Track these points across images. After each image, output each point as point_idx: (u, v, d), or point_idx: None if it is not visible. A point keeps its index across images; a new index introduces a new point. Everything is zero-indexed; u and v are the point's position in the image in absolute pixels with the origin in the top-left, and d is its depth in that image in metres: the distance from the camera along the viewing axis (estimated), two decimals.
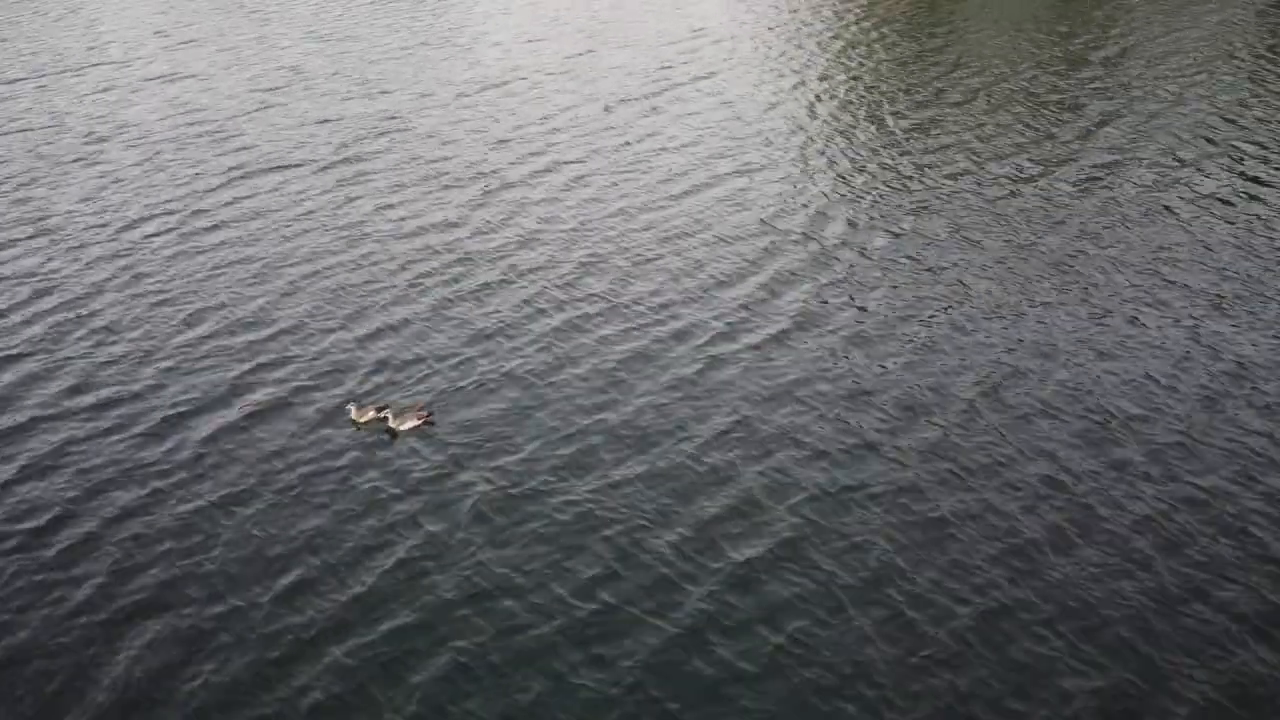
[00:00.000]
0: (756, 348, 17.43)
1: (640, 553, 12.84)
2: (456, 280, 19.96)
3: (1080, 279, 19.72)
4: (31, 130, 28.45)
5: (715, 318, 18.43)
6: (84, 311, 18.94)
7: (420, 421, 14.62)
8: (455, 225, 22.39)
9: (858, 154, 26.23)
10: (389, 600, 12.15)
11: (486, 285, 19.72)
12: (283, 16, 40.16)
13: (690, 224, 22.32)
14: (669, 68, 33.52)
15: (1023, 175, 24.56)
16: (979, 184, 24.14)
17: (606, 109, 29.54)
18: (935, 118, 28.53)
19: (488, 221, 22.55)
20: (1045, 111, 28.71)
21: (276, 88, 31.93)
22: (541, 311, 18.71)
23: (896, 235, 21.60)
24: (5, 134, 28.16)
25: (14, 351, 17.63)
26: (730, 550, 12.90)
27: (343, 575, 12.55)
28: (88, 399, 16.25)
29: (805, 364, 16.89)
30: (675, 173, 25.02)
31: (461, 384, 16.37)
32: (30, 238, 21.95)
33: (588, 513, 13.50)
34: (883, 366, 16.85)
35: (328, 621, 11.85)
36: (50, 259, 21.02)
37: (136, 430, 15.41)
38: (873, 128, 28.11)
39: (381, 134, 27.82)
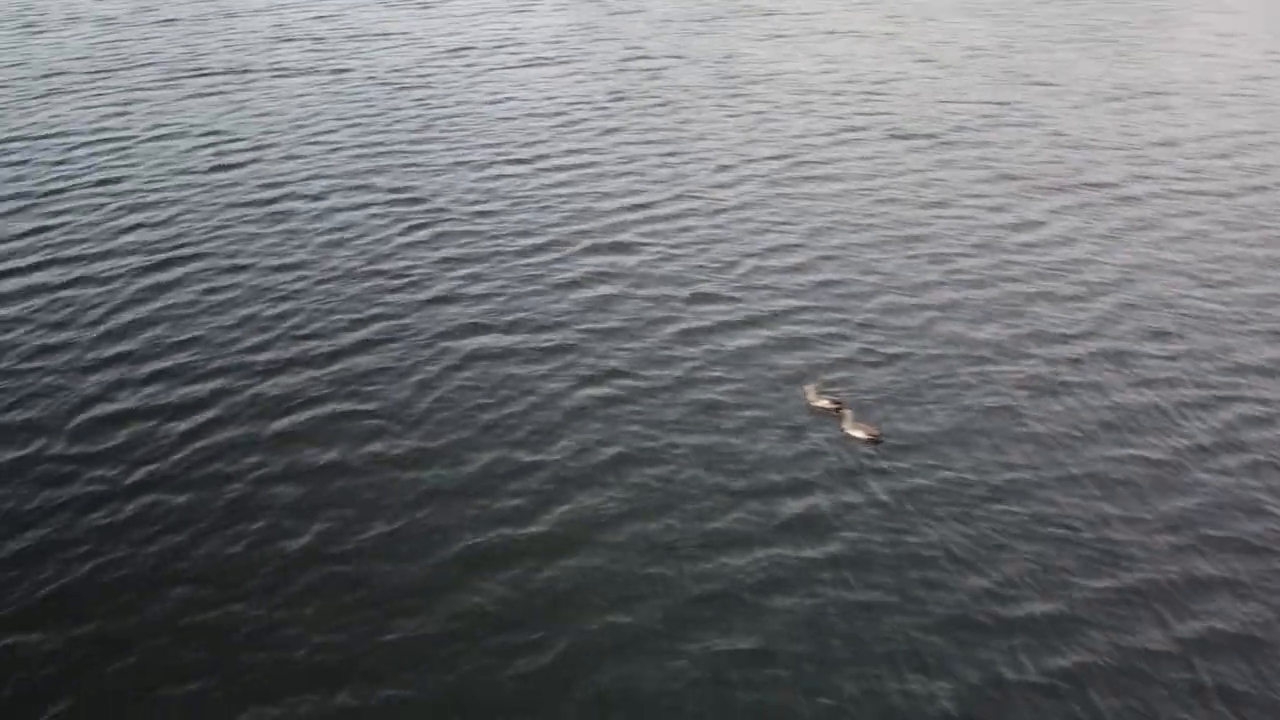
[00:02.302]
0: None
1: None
2: (986, 292, 19.14)
3: None
4: (692, 67, 32.85)
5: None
6: (688, 238, 20.93)
7: (869, 437, 14.82)
8: (1019, 237, 21.67)
9: None
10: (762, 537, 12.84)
11: (1017, 306, 18.65)
12: None
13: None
14: None
15: None
16: None
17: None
18: None
19: (1050, 237, 21.37)
20: None
21: (924, 60, 32.95)
22: (1068, 365, 17.30)
23: None
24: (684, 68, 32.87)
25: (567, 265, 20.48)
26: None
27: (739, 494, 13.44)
28: (643, 336, 18.33)
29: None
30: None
31: (936, 399, 15.99)
32: (661, 167, 25.31)
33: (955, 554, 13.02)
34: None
35: (707, 536, 12.75)
36: (680, 178, 24.49)
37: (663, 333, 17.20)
38: None
39: (999, 124, 27.56)
